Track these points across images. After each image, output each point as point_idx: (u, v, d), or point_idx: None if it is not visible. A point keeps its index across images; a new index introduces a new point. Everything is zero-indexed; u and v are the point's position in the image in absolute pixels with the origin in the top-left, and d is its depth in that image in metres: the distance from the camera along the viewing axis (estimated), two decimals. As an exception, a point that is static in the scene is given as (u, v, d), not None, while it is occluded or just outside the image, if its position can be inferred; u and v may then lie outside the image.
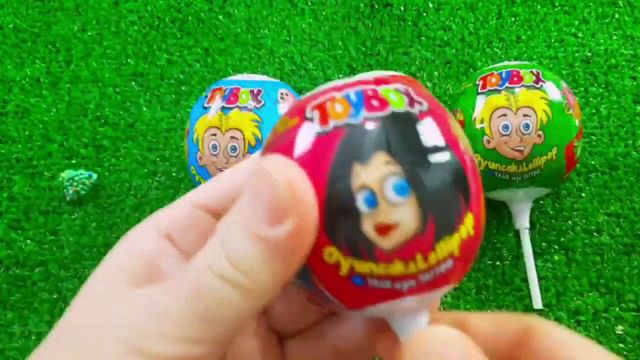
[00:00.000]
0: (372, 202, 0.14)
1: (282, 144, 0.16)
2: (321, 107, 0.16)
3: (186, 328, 0.14)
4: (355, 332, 0.20)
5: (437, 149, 0.15)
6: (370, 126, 0.15)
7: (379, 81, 0.16)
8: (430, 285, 0.15)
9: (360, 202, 0.14)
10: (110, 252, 0.16)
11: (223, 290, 0.14)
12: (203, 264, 0.14)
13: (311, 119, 0.15)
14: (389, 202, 0.14)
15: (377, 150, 0.15)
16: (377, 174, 0.14)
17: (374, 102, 0.15)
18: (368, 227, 0.14)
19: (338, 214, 0.14)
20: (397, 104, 0.15)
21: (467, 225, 0.15)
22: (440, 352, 0.14)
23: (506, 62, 0.36)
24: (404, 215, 0.14)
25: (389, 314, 0.16)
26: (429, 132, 0.15)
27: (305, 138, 0.15)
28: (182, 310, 0.14)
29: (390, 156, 0.15)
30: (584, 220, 0.39)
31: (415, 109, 0.15)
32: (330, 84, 0.16)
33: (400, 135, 0.15)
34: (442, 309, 0.37)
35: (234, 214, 0.15)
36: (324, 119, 0.15)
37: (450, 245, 0.15)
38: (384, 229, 0.14)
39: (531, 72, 0.34)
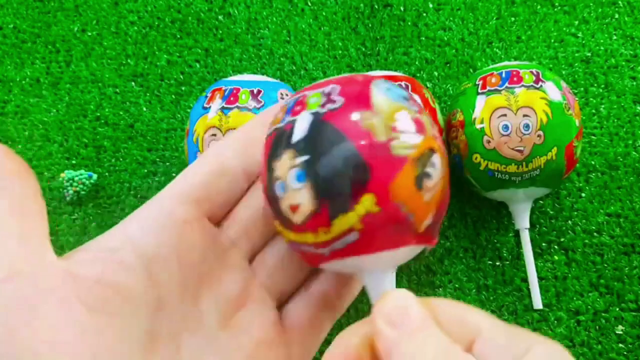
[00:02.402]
0: (283, 188, 0.19)
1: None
2: (275, 113, 0.21)
3: None
4: (344, 275, 0.23)
5: (334, 143, 0.18)
6: (287, 128, 0.19)
7: (317, 86, 0.20)
8: (347, 251, 0.19)
9: (277, 189, 0.19)
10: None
11: None
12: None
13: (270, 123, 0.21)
14: (292, 188, 0.18)
15: (286, 148, 0.19)
16: (284, 167, 0.19)
17: (297, 108, 0.19)
18: (285, 207, 0.19)
19: (271, 197, 0.19)
20: (312, 106, 0.19)
21: (365, 204, 0.18)
22: (407, 303, 0.17)
23: (506, 62, 0.36)
24: (303, 198, 0.18)
25: (345, 270, 0.20)
26: (328, 129, 0.18)
27: (266, 137, 0.21)
28: None
29: (295, 152, 0.18)
30: (584, 220, 0.39)
31: (325, 109, 0.19)
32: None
33: (306, 133, 0.19)
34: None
35: None
36: (271, 124, 0.20)
37: (347, 221, 0.18)
38: (293, 208, 0.19)
39: (531, 72, 0.34)
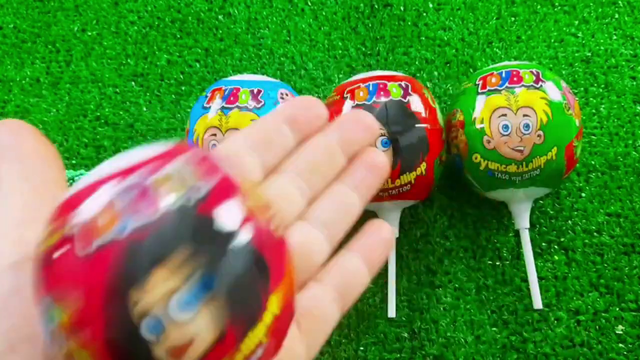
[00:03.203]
0: (158, 327, 0.13)
1: None
2: (81, 226, 0.14)
3: None
4: (351, 269, 0.22)
5: (228, 238, 0.13)
6: (138, 238, 0.13)
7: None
8: None
9: (146, 331, 0.13)
10: None
11: None
12: None
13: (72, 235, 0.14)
14: (176, 322, 0.13)
15: (154, 264, 0.13)
16: (159, 294, 0.13)
17: (143, 203, 0.14)
18: (161, 354, 0.13)
19: (124, 352, 0.13)
20: (179, 188, 0.14)
21: (272, 309, 0.14)
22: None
23: (506, 62, 0.36)
24: (199, 328, 0.13)
25: None
26: (203, 225, 0.13)
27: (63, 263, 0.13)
28: None
29: (171, 267, 0.13)
30: (584, 220, 0.39)
31: (192, 201, 0.14)
32: None
33: (177, 236, 0.13)
34: (442, 308, 0.37)
35: None
36: (86, 240, 0.13)
37: (255, 337, 0.14)
38: (178, 351, 0.13)
39: (531, 72, 0.34)
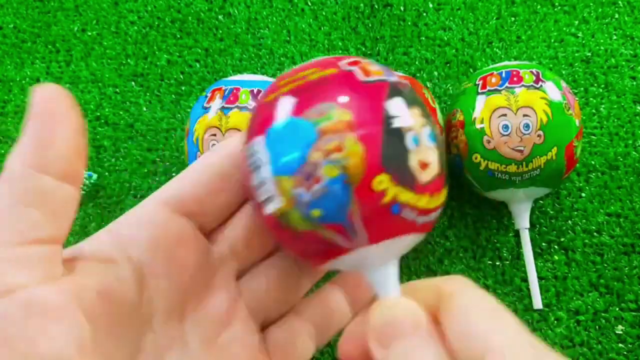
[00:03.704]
0: (417, 142, 0.17)
1: (326, 87, 0.18)
2: (356, 63, 0.19)
3: None
4: (332, 305, 0.22)
5: (433, 120, 0.19)
6: (402, 87, 0.19)
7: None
8: (429, 225, 0.18)
9: (409, 141, 0.17)
10: None
11: None
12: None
13: (351, 71, 0.18)
14: (426, 145, 0.18)
15: (414, 104, 0.18)
16: (419, 121, 0.18)
17: (395, 74, 0.19)
18: (414, 162, 0.17)
19: (394, 147, 0.17)
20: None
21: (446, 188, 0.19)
22: (395, 324, 0.16)
23: (506, 62, 0.36)
24: (434, 158, 0.18)
25: (350, 268, 0.19)
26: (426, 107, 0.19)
27: (352, 84, 0.18)
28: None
29: (422, 112, 0.18)
30: (584, 220, 0.39)
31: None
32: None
33: (418, 99, 0.19)
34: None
35: None
36: (366, 73, 0.18)
37: (445, 193, 0.19)
38: (423, 165, 0.17)
39: (531, 72, 0.34)
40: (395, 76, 0.19)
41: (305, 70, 0.19)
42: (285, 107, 0.18)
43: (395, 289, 0.19)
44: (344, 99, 0.17)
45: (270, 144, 0.18)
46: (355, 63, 0.19)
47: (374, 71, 0.18)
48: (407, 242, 0.18)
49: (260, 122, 0.18)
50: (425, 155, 0.17)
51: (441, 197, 0.18)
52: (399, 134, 0.17)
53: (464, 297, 0.17)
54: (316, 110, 0.17)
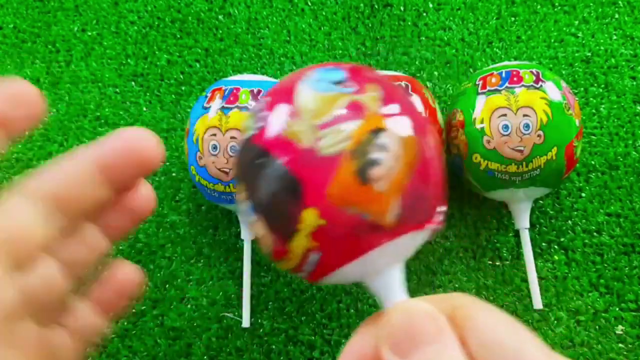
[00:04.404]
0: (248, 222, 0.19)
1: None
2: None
3: None
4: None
5: (262, 166, 0.17)
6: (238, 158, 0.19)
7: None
8: (319, 272, 0.18)
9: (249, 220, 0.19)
10: None
11: None
12: None
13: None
14: (251, 221, 0.19)
15: (237, 179, 0.19)
16: (241, 199, 0.19)
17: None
18: (257, 238, 0.19)
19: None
20: (247, 129, 0.19)
21: (309, 221, 0.17)
22: (416, 323, 0.15)
23: (506, 62, 0.36)
24: (260, 230, 0.18)
25: (346, 281, 0.18)
26: (255, 152, 0.18)
27: None
28: None
29: (241, 182, 0.19)
30: (584, 220, 0.39)
31: (254, 130, 0.18)
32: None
33: (242, 160, 0.19)
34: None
35: None
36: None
37: (300, 243, 0.17)
38: (260, 241, 0.19)
39: (531, 72, 0.34)
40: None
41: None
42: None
43: (402, 294, 0.18)
44: None
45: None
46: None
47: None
48: (342, 273, 0.18)
49: None
50: (256, 231, 0.18)
51: (294, 253, 0.17)
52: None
53: (482, 309, 0.16)
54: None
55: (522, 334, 0.15)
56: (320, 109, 0.17)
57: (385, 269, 0.17)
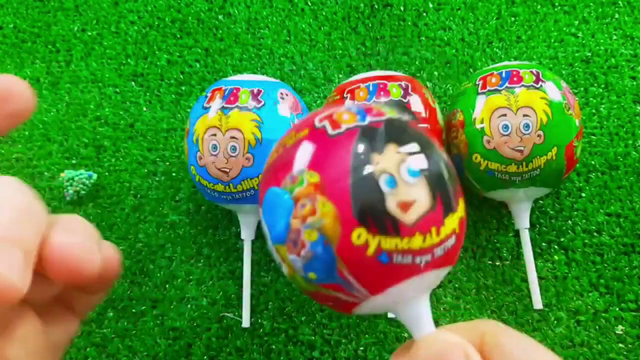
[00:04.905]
0: (392, 183, 0.17)
1: (297, 151, 0.18)
2: (329, 117, 0.19)
3: None
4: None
5: (432, 145, 0.18)
6: (377, 125, 0.18)
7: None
8: (441, 260, 0.18)
9: (383, 185, 0.17)
10: None
11: None
12: None
13: (321, 128, 0.18)
14: (406, 183, 0.17)
15: (389, 142, 0.17)
16: (393, 159, 0.17)
17: (374, 111, 0.19)
18: (392, 205, 0.17)
19: (365, 197, 0.17)
20: (391, 112, 0.19)
21: (461, 206, 0.18)
22: (447, 355, 0.16)
23: (506, 62, 0.36)
24: (419, 194, 0.17)
25: (402, 299, 0.18)
26: (417, 133, 0.19)
27: (322, 142, 0.18)
28: None
29: (399, 146, 0.18)
30: (584, 220, 0.39)
31: (405, 117, 0.19)
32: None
33: (408, 130, 0.18)
34: (442, 309, 0.37)
35: None
36: (335, 125, 0.18)
37: (453, 221, 0.18)
38: (405, 206, 0.17)
39: (531, 72, 0.34)
40: (372, 114, 0.18)
41: (286, 136, 0.19)
42: (265, 178, 0.19)
43: (430, 325, 0.18)
44: (313, 160, 0.17)
45: (264, 215, 0.18)
46: (328, 117, 0.19)
47: (345, 120, 0.18)
48: (427, 279, 0.18)
49: (259, 195, 0.19)
50: (406, 195, 0.17)
51: (445, 229, 0.17)
52: (369, 180, 0.17)
53: (509, 335, 0.17)
54: (290, 178, 0.18)
55: (549, 358, 0.16)
56: None
57: (412, 300, 0.18)
